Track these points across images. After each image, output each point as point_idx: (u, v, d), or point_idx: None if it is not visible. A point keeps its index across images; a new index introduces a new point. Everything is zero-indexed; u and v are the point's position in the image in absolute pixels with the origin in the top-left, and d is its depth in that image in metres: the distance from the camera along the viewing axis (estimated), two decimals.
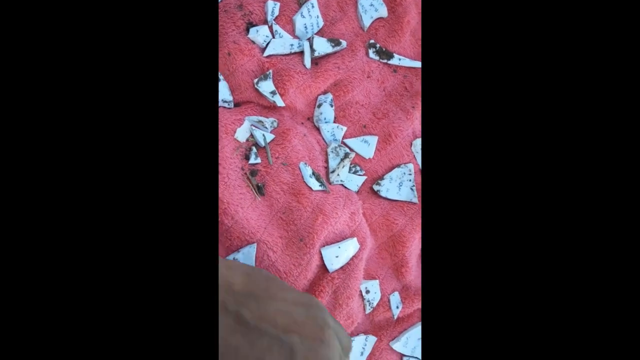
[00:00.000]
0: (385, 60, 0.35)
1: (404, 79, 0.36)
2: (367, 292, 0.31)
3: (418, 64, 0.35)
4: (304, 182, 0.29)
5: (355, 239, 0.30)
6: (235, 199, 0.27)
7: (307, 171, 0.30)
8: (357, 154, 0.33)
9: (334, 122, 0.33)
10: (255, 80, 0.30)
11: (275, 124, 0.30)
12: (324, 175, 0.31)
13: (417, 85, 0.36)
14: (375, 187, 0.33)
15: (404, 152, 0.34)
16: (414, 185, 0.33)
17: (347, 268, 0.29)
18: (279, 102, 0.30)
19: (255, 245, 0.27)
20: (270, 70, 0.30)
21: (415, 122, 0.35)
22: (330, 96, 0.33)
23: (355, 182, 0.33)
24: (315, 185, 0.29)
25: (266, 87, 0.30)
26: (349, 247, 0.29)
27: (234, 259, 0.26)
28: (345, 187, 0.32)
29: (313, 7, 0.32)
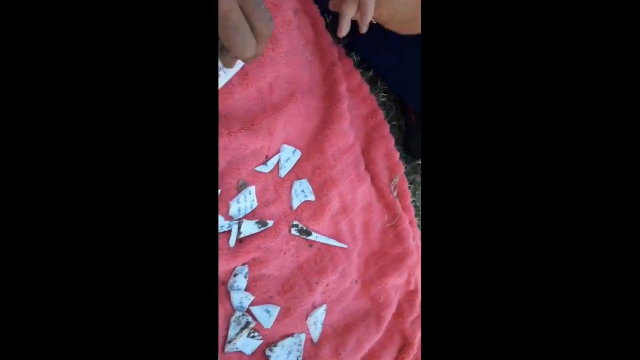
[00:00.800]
0: (304, 237, 0.43)
1: (317, 252, 0.44)
2: None
3: (331, 242, 0.44)
4: None
5: None
6: None
7: None
8: (258, 323, 0.39)
9: (246, 290, 0.39)
10: None
11: None
12: (222, 347, 0.37)
13: (327, 261, 0.44)
14: (268, 353, 0.39)
15: (299, 325, 0.41)
16: (300, 356, 0.40)
17: None
18: None
19: None
20: None
21: (316, 296, 0.43)
22: (246, 269, 0.39)
23: (251, 346, 0.38)
24: None
25: None
26: None
27: None
28: (240, 352, 0.38)
29: (250, 194, 0.40)
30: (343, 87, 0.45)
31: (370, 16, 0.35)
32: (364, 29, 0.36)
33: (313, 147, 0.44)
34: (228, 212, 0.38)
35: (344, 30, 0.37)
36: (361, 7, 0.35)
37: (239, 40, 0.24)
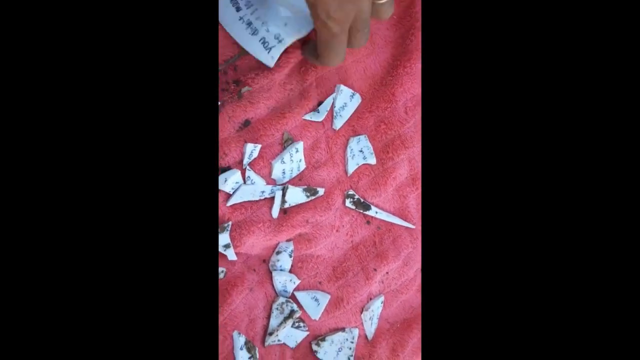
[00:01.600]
0: (361, 211, 0.36)
1: (376, 230, 0.37)
2: None
3: (394, 219, 0.37)
4: (233, 354, 0.30)
5: None
6: None
7: (239, 342, 0.30)
8: (303, 312, 0.34)
9: (290, 271, 0.34)
10: None
11: (222, 275, 0.31)
12: (261, 337, 0.33)
13: (387, 243, 0.37)
14: (314, 347, 0.35)
15: (352, 318, 0.36)
16: (352, 355, 0.35)
17: None
18: (231, 256, 0.31)
19: None
20: (230, 223, 0.31)
21: (373, 285, 0.37)
22: (291, 246, 0.34)
23: (295, 337, 0.34)
24: (244, 357, 0.31)
25: (220, 240, 0.30)
26: None
27: None
28: (283, 345, 0.34)
29: (297, 151, 0.33)
30: None
31: None
32: None
33: (378, 91, 0.35)
34: (270, 174, 0.32)
35: None
36: None
37: (333, 56, 0.27)
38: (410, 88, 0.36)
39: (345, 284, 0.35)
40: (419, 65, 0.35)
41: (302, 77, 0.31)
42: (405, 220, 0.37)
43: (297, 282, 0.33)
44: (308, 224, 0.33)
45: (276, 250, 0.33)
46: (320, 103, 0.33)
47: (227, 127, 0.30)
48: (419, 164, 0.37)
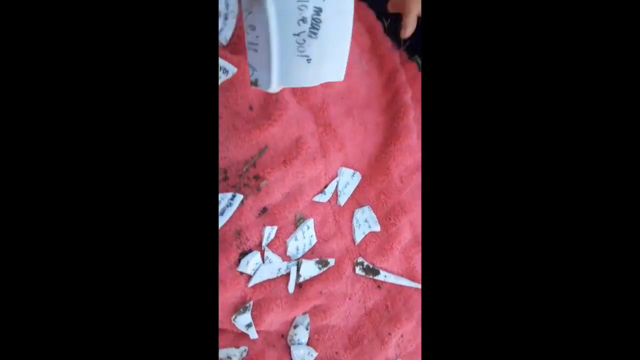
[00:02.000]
0: (371, 276, 0.40)
1: (387, 294, 0.40)
2: None
3: (404, 282, 0.40)
4: None
5: None
6: None
7: None
8: None
9: (307, 344, 0.36)
10: (233, 316, 0.33)
11: (244, 354, 0.33)
12: None
13: (399, 305, 0.40)
14: None
15: None
16: None
17: None
18: (253, 334, 0.33)
19: None
20: (251, 302, 0.34)
21: (389, 350, 0.38)
22: (307, 319, 0.36)
23: None
24: None
25: (243, 320, 0.33)
26: None
27: None
28: None
29: (309, 228, 0.37)
30: (407, 96, 0.42)
31: None
32: None
33: (375, 167, 0.41)
34: (286, 251, 0.36)
35: (409, 29, 0.34)
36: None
37: None
38: (403, 161, 0.41)
39: (361, 352, 0.37)
40: (408, 142, 0.41)
41: (315, 165, 0.37)
42: (413, 280, 0.40)
43: (315, 354, 0.35)
44: (322, 295, 0.36)
45: (293, 324, 0.36)
46: (326, 186, 0.38)
47: (249, 215, 0.35)
48: (420, 226, 0.41)
